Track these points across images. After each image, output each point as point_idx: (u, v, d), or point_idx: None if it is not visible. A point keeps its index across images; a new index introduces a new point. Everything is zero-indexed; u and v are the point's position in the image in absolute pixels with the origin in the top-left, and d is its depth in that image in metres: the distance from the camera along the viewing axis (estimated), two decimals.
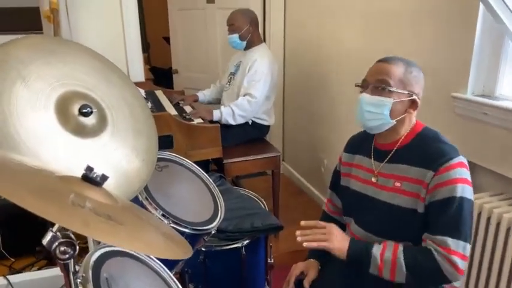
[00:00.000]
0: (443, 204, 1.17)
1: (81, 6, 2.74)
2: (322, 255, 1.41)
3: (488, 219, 1.56)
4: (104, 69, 1.24)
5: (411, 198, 1.24)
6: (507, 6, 1.49)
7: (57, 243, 0.67)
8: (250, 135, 2.70)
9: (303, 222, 1.26)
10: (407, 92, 1.24)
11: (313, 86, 3.03)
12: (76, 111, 1.07)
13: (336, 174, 1.52)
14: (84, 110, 1.07)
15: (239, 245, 1.61)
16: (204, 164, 2.54)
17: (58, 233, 0.67)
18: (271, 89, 2.65)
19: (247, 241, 1.63)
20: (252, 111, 2.59)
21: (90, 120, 1.09)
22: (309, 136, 3.23)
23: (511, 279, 1.49)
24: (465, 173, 1.19)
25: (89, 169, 0.72)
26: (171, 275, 1.08)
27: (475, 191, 1.73)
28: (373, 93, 1.25)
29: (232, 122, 2.56)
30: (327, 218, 1.57)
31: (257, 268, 1.75)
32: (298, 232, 1.23)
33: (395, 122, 1.26)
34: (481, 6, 1.58)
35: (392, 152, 1.30)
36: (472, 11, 1.62)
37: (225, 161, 2.45)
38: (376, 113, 1.24)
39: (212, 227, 1.35)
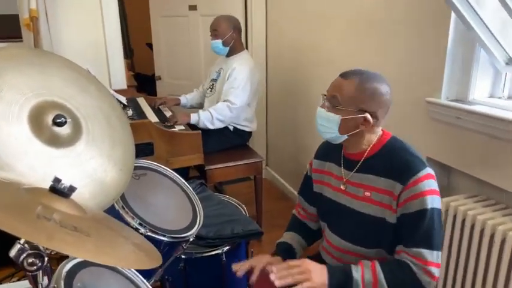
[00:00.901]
0: (416, 216, 1.19)
1: (62, 14, 2.73)
2: (288, 253, 1.44)
3: (463, 221, 1.59)
4: (80, 80, 1.24)
5: (380, 208, 1.26)
6: (477, 14, 1.53)
7: (24, 255, 0.67)
8: (231, 142, 2.71)
9: (274, 269, 1.19)
10: (357, 110, 1.23)
11: (296, 91, 3.06)
12: (50, 122, 1.07)
13: (307, 180, 1.54)
14: (58, 120, 1.07)
15: (219, 251, 1.62)
16: (183, 171, 2.54)
17: (26, 245, 0.67)
18: (251, 96, 2.66)
19: (227, 247, 1.64)
20: (231, 117, 2.60)
21: (64, 130, 1.09)
22: (292, 141, 3.25)
23: (486, 279, 1.52)
24: (433, 184, 1.21)
25: (57, 180, 0.72)
26: (147, 283, 1.08)
27: (451, 193, 1.78)
28: (327, 107, 1.27)
29: (210, 127, 2.55)
30: (297, 222, 1.58)
31: None
32: (273, 276, 1.17)
33: (346, 137, 1.27)
34: (453, 14, 1.62)
35: (360, 162, 1.31)
36: (444, 18, 1.66)
37: (206, 168, 2.46)
38: (327, 126, 1.27)
39: (190, 234, 1.35)
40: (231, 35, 2.64)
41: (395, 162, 1.24)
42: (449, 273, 1.68)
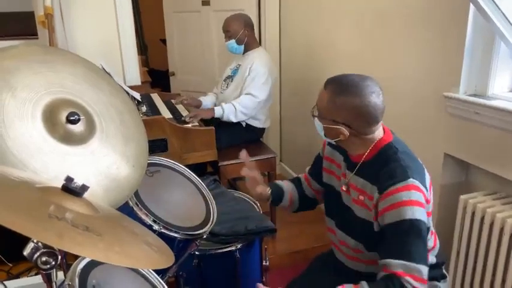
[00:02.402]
0: (393, 227, 1.14)
1: (76, 10, 2.75)
2: (277, 195, 1.51)
3: (482, 218, 1.56)
4: (92, 76, 1.24)
5: (370, 213, 1.24)
6: (497, 5, 1.48)
7: (38, 254, 0.67)
8: (244, 137, 2.69)
9: None
10: (330, 120, 1.23)
11: (309, 87, 3.03)
12: (64, 119, 1.07)
13: (318, 160, 1.53)
14: (71, 118, 1.07)
15: (233, 248, 1.61)
16: (200, 167, 2.54)
17: (39, 243, 0.67)
18: (270, 91, 2.66)
19: (241, 244, 1.63)
20: (254, 109, 2.60)
21: (78, 128, 1.09)
22: (306, 137, 3.23)
23: (506, 278, 1.49)
24: (414, 195, 1.14)
25: (69, 179, 0.72)
26: (161, 280, 1.08)
27: (469, 190, 1.75)
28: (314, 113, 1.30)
29: (233, 120, 2.55)
30: (299, 183, 1.59)
31: (252, 270, 1.76)
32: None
33: (334, 142, 1.29)
34: (472, 6, 1.57)
35: (358, 165, 1.28)
36: (463, 10, 1.62)
37: (220, 164, 2.45)
38: (318, 130, 1.30)
39: (204, 231, 1.35)
40: (244, 32, 2.63)
41: (381, 170, 1.20)
42: (467, 272, 1.65)
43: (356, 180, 1.29)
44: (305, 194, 1.56)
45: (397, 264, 1.11)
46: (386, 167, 1.20)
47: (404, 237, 1.13)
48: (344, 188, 1.33)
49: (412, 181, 1.15)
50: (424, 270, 1.12)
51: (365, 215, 1.25)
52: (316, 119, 1.28)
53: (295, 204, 1.55)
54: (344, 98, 1.20)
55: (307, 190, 1.56)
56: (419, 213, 1.14)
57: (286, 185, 1.56)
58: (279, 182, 1.58)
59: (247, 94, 2.56)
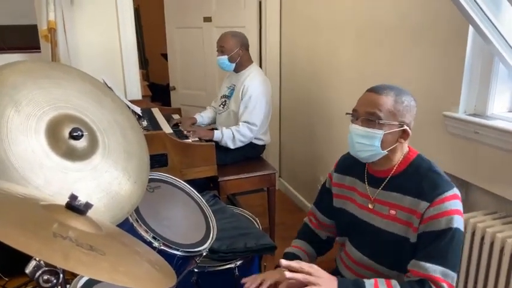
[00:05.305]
0: (438, 234, 1.17)
1: (79, 25, 2.77)
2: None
3: (482, 238, 1.56)
4: (96, 92, 1.25)
5: (404, 226, 1.24)
6: (495, 27, 1.51)
7: (40, 272, 0.67)
8: (245, 154, 2.70)
9: (284, 263, 1.16)
10: (398, 123, 1.23)
11: (309, 103, 3.05)
12: (67, 135, 1.07)
13: (324, 192, 1.51)
14: (74, 134, 1.08)
15: (232, 265, 1.60)
16: (203, 183, 2.53)
17: (41, 262, 0.67)
18: (267, 110, 2.66)
19: (240, 261, 1.62)
20: (252, 137, 2.63)
21: (81, 143, 1.10)
22: (305, 153, 3.23)
23: None
24: (459, 205, 1.20)
25: (73, 197, 0.72)
26: None
27: (469, 209, 1.74)
28: (363, 124, 1.24)
29: (231, 146, 2.58)
30: (307, 230, 1.56)
31: None
32: (284, 262, 1.16)
33: (386, 152, 1.25)
34: (471, 27, 1.60)
35: (387, 180, 1.29)
36: (461, 31, 1.64)
37: (220, 179, 2.45)
38: (367, 144, 1.24)
39: (203, 249, 1.34)
40: (238, 52, 2.63)
41: (422, 182, 1.22)
42: None
43: (385, 195, 1.29)
44: (318, 239, 1.53)
45: (435, 270, 1.15)
46: (427, 178, 1.23)
47: (447, 245, 1.16)
48: (370, 206, 1.32)
49: (456, 190, 1.21)
50: (455, 277, 1.18)
51: (396, 229, 1.26)
52: (373, 129, 1.22)
53: (313, 255, 1.51)
54: (408, 97, 1.25)
55: (318, 232, 1.54)
56: (461, 223, 1.19)
57: (298, 248, 1.50)
58: (291, 249, 1.50)
59: (244, 122, 2.57)
